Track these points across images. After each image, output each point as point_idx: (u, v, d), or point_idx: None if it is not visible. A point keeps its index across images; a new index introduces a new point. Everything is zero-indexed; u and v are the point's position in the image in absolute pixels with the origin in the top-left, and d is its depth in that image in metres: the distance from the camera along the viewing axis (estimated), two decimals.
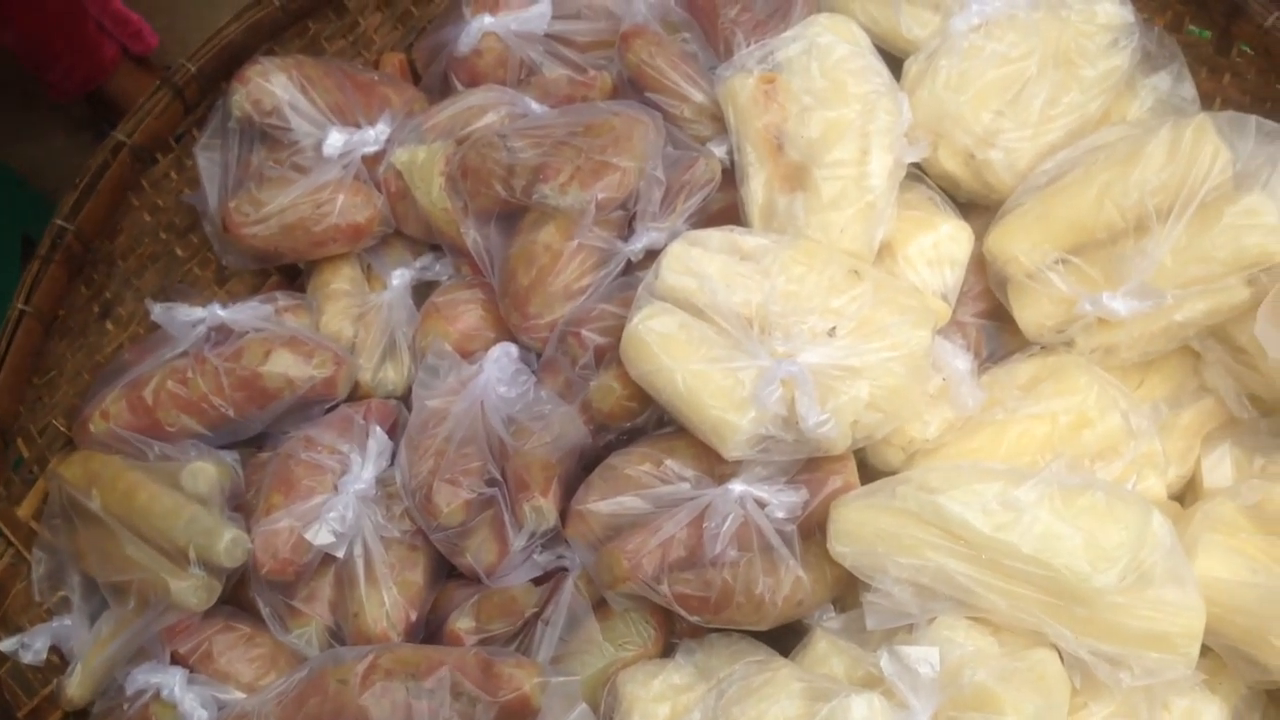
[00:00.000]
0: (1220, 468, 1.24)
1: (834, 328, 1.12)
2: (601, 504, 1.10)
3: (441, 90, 1.42)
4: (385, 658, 1.02)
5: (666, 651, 1.13)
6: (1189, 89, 1.33)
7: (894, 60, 1.33)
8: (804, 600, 1.10)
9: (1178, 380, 1.29)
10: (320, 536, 1.11)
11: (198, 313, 1.27)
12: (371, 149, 1.33)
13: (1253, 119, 1.18)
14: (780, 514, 1.11)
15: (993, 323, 1.30)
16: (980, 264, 1.29)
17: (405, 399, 1.30)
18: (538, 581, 1.16)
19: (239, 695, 1.08)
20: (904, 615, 1.06)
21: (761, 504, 1.11)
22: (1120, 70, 1.27)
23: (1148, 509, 1.06)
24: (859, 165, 1.21)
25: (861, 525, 1.07)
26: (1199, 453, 1.26)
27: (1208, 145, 1.16)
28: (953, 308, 1.27)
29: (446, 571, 1.19)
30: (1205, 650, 1.11)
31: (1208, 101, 1.38)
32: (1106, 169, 1.20)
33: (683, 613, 1.07)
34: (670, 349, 1.12)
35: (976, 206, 1.33)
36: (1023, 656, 1.03)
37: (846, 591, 1.15)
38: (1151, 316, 1.20)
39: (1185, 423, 1.27)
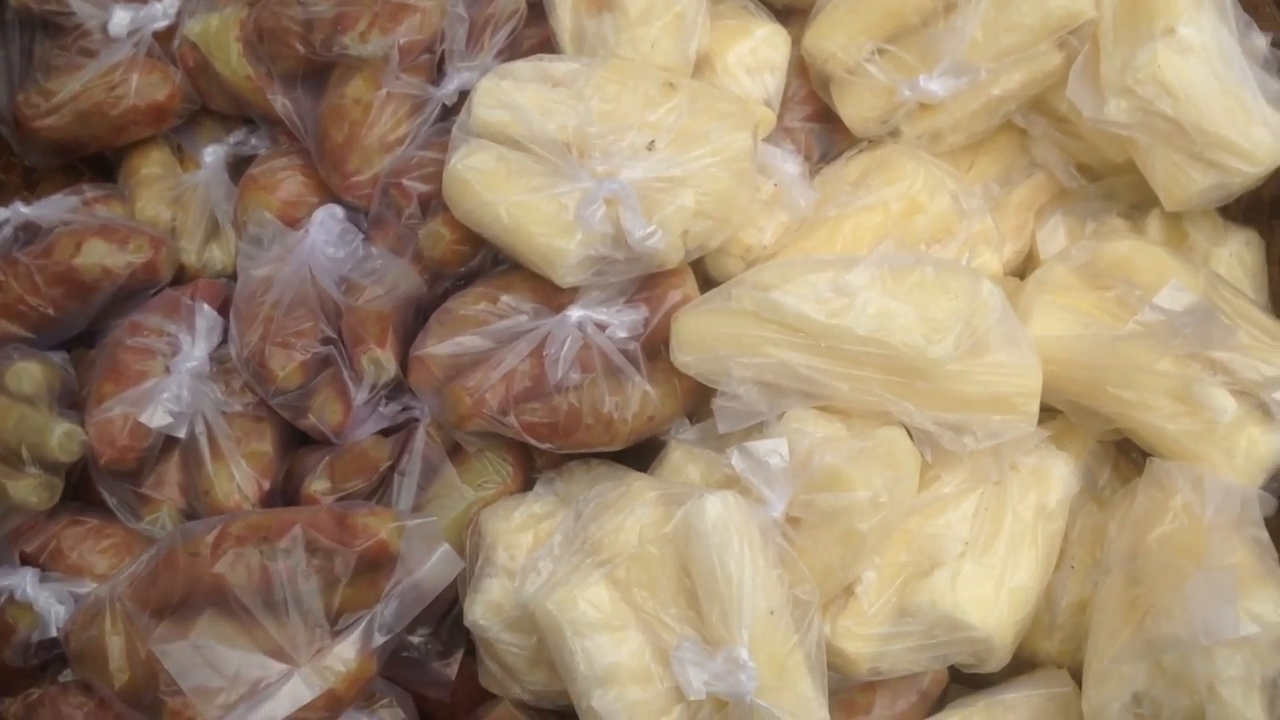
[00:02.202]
0: (1054, 237, 1.26)
1: (653, 141, 1.10)
2: (440, 346, 1.09)
3: None
4: (236, 525, 1.00)
5: (527, 486, 1.13)
6: None
7: None
8: (654, 415, 1.10)
9: (1007, 159, 1.30)
10: (156, 418, 1.08)
11: (1, 214, 1.22)
12: (162, 23, 1.27)
13: None
14: (622, 334, 1.10)
15: (822, 125, 1.29)
16: (803, 68, 1.28)
17: (235, 277, 1.26)
18: (390, 433, 1.14)
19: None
20: (754, 415, 1.07)
21: (602, 326, 1.10)
22: None
23: (977, 278, 1.07)
24: None
25: (701, 332, 1.07)
26: (1033, 226, 1.28)
27: None
28: (778, 113, 1.26)
29: (299, 438, 1.17)
30: (1054, 412, 1.15)
31: None
32: None
33: (533, 441, 1.07)
34: (491, 184, 1.10)
35: (795, 10, 1.31)
36: (870, 436, 1.05)
37: (700, 404, 1.15)
38: (970, 94, 1.20)
39: (1018, 199, 1.28)
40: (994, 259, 1.21)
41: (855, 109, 1.24)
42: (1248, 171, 1.12)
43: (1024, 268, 1.28)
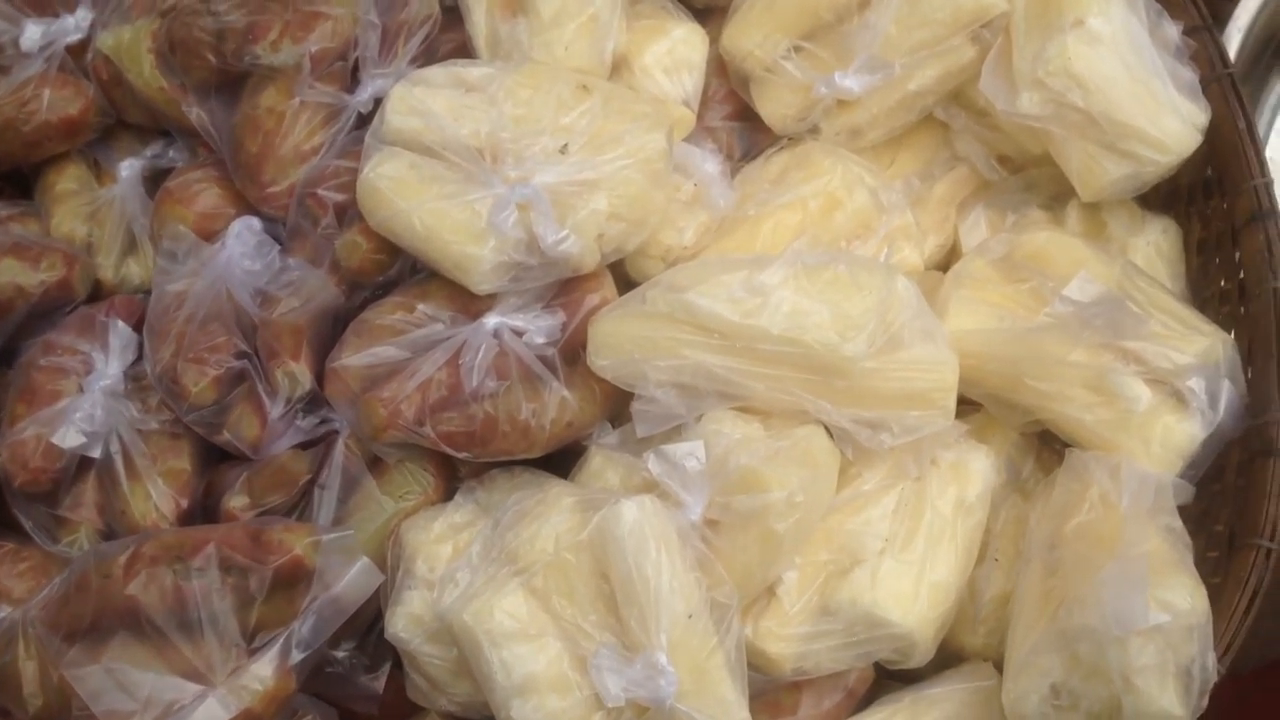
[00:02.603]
0: (976, 230, 1.26)
1: (566, 145, 1.10)
2: (355, 358, 1.08)
3: None
4: (148, 545, 0.99)
5: (450, 496, 1.13)
6: None
7: None
8: (574, 421, 1.09)
9: (929, 153, 1.30)
10: (69, 439, 1.07)
11: None
12: (75, 37, 1.25)
13: None
14: (540, 339, 1.10)
15: (743, 123, 1.29)
16: (724, 67, 1.28)
17: None
18: (310, 447, 1.13)
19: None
20: (672, 417, 1.07)
21: (519, 332, 1.10)
22: None
23: (891, 274, 1.07)
24: None
25: (617, 336, 1.07)
26: (956, 220, 1.28)
27: None
28: (698, 112, 1.26)
29: (219, 454, 1.16)
30: (976, 406, 1.15)
31: None
32: None
33: (450, 451, 1.06)
34: (404, 192, 1.09)
35: (714, 9, 1.31)
36: (788, 435, 1.05)
37: (622, 407, 1.14)
38: (886, 90, 1.20)
39: (940, 193, 1.29)
40: (914, 254, 1.21)
41: (774, 107, 1.24)
42: (1160, 161, 1.13)
43: (947, 261, 1.28)
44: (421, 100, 1.12)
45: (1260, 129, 1.46)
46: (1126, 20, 1.13)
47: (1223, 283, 1.16)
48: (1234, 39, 1.40)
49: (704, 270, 1.07)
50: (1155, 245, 1.20)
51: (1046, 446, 1.18)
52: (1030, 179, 1.27)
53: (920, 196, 1.28)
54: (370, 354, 1.08)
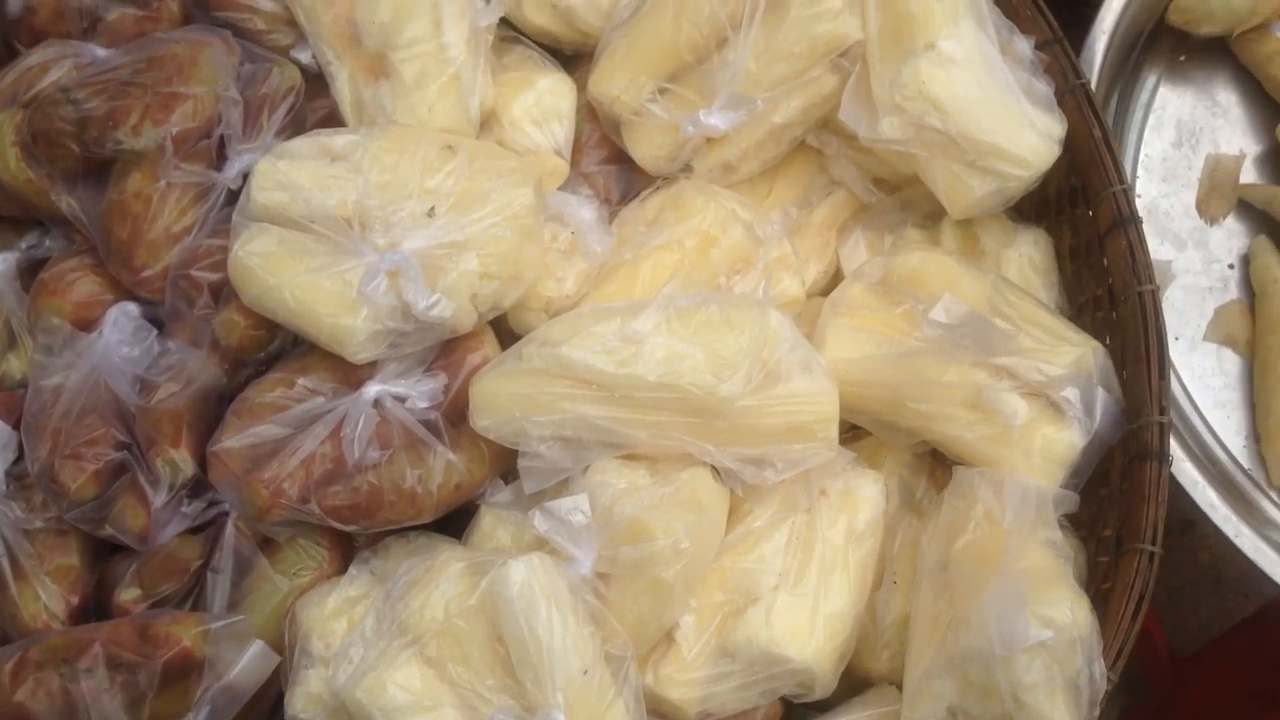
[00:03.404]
0: (856, 253, 1.27)
1: (433, 207, 1.10)
2: (235, 440, 1.07)
3: (6, 58, 1.33)
4: (34, 650, 0.98)
5: (346, 568, 1.12)
6: None
7: None
8: (462, 483, 1.10)
9: (806, 180, 1.32)
10: None
11: None
12: None
13: None
14: (423, 404, 1.10)
15: (619, 166, 1.30)
16: (595, 112, 1.28)
17: None
18: (201, 531, 1.12)
19: None
20: (558, 471, 1.07)
21: (401, 398, 1.10)
22: None
23: (764, 310, 1.08)
24: (434, 39, 1.18)
25: (497, 395, 1.07)
26: (836, 244, 1.29)
27: None
28: (573, 159, 1.26)
29: (111, 546, 1.15)
30: (866, 431, 1.16)
31: None
32: None
33: (338, 525, 1.06)
34: (274, 268, 1.09)
35: (584, 55, 1.32)
36: (673, 480, 1.05)
37: (513, 464, 1.14)
38: (752, 125, 1.21)
39: (819, 219, 1.30)
40: (794, 284, 1.22)
41: (645, 149, 1.24)
42: (1022, 175, 1.14)
43: (831, 286, 1.28)
44: (286, 174, 1.11)
45: (1134, 127, 1.48)
46: (977, 40, 1.14)
47: (1095, 289, 1.17)
48: (1099, 41, 1.42)
49: (578, 322, 1.08)
50: (1027, 256, 1.21)
51: (939, 464, 1.19)
52: (906, 198, 1.28)
53: (799, 224, 1.29)
54: (251, 434, 1.07)
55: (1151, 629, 1.99)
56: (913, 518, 1.16)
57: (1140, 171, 1.46)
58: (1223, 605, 2.17)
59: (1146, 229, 1.40)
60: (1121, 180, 1.13)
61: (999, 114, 1.13)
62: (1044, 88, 1.17)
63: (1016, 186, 1.15)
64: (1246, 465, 1.33)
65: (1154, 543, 1.03)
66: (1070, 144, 1.17)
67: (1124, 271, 1.11)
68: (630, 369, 1.03)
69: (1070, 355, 1.08)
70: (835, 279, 1.29)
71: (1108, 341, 1.14)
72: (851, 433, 1.19)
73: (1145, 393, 1.07)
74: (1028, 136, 1.14)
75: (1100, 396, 1.08)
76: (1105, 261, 1.15)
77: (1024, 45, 1.18)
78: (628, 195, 1.29)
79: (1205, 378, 1.37)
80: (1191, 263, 1.42)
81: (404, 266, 1.06)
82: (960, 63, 1.13)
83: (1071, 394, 1.08)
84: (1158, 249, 1.42)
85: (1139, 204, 1.44)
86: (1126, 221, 1.12)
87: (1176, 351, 1.38)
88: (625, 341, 1.05)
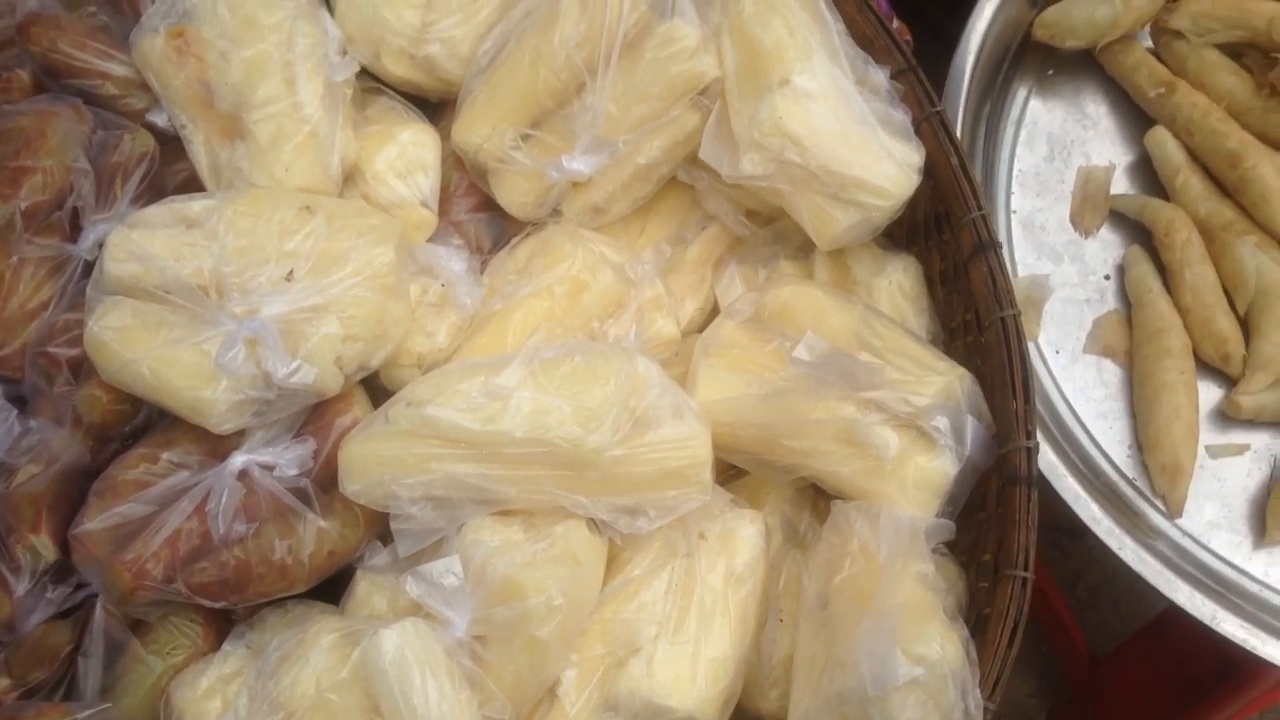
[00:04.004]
0: (731, 288, 1.27)
1: (291, 271, 1.08)
2: (98, 521, 1.05)
3: None
4: None
5: (222, 643, 1.10)
6: None
7: None
8: (335, 549, 1.08)
9: (680, 217, 1.32)
10: None
11: None
12: None
13: None
14: (292, 471, 1.08)
15: (490, 214, 1.29)
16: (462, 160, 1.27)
17: None
18: (72, 614, 1.10)
19: None
20: (432, 532, 1.06)
21: (269, 467, 1.08)
22: None
23: (630, 357, 1.07)
24: (289, 98, 1.16)
25: (365, 458, 1.05)
26: (712, 280, 1.29)
27: None
28: (439, 210, 1.25)
29: None
30: (744, 470, 1.16)
31: None
32: (533, 35, 1.19)
33: (207, 602, 1.04)
34: (130, 342, 1.07)
35: (449, 103, 1.30)
36: (547, 535, 1.04)
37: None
38: (616, 167, 1.21)
39: (694, 255, 1.30)
40: (668, 324, 1.21)
41: (511, 196, 1.24)
42: (884, 205, 1.15)
43: (709, 322, 1.28)
44: (139, 244, 1.09)
45: (1006, 143, 1.50)
46: (831, 73, 1.15)
47: (965, 313, 1.18)
48: (967, 59, 1.44)
49: (443, 380, 1.07)
50: (897, 284, 1.22)
51: (822, 497, 1.19)
52: (778, 230, 1.29)
53: (674, 262, 1.29)
54: (113, 514, 1.05)
55: (1070, 629, 2.01)
56: (797, 553, 1.16)
57: (1015, 187, 1.48)
58: (1141, 601, 2.20)
59: (1024, 243, 1.43)
60: (980, 206, 1.14)
61: (857, 146, 1.14)
62: (901, 117, 1.18)
63: (880, 216, 1.16)
64: (1131, 475, 1.34)
65: (1026, 568, 1.03)
66: (931, 171, 1.18)
67: (986, 297, 1.12)
68: (496, 426, 1.02)
69: (937, 384, 1.09)
70: (713, 314, 1.29)
71: (979, 365, 1.15)
72: (733, 471, 1.19)
73: (1011, 418, 1.08)
74: (886, 167, 1.14)
75: (969, 424, 1.09)
76: (970, 287, 1.16)
77: (880, 76, 1.19)
78: (500, 242, 1.28)
79: (1087, 389, 1.38)
80: (1069, 276, 1.44)
81: (262, 334, 1.04)
82: (815, 97, 1.14)
83: (941, 423, 1.08)
84: (1035, 263, 1.44)
85: (1015, 219, 1.46)
86: (987, 247, 1.13)
87: (1058, 365, 1.39)
88: (490, 398, 1.04)
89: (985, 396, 1.12)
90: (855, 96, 1.15)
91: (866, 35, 1.22)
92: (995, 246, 1.13)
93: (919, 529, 1.05)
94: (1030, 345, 1.40)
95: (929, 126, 1.17)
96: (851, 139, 1.14)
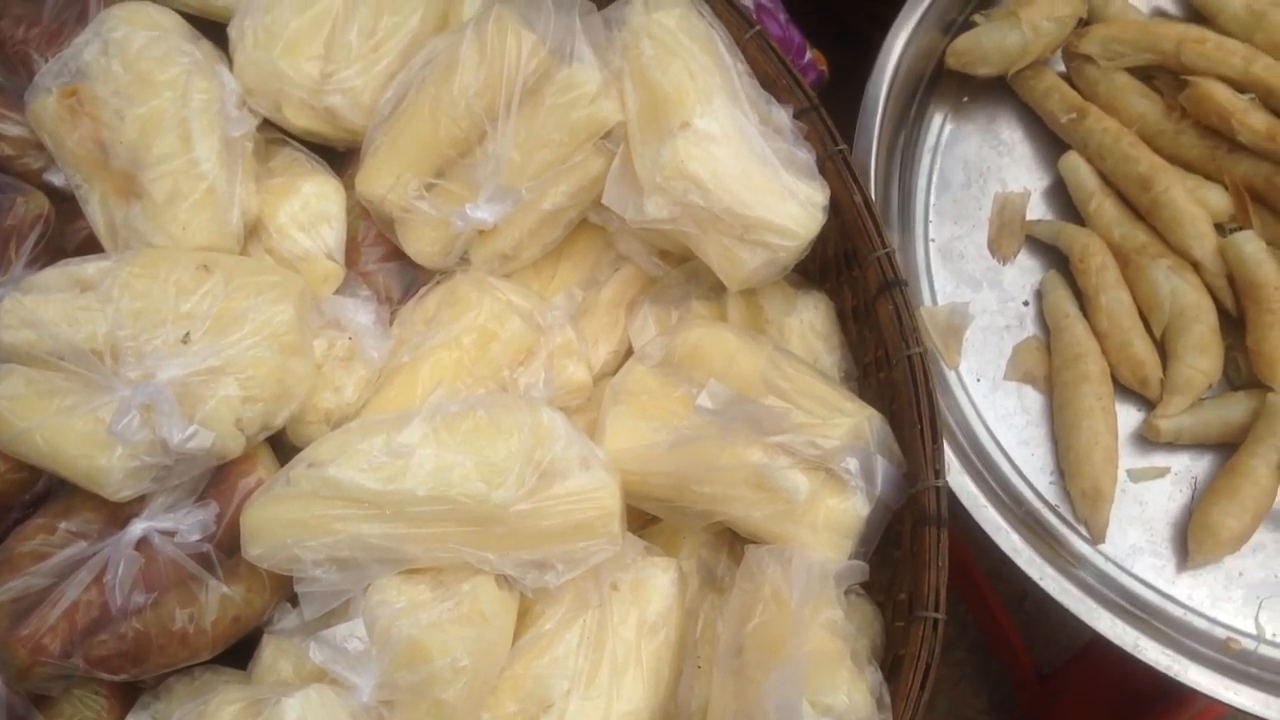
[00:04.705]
0: (645, 330, 1.27)
1: (187, 333, 1.06)
2: None
3: None
4: None
5: (127, 714, 1.08)
6: None
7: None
8: (240, 615, 1.06)
9: (592, 260, 1.31)
10: None
11: None
12: None
13: None
14: (194, 537, 1.06)
15: (399, 263, 1.27)
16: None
17: None
18: None
19: None
20: (339, 594, 1.04)
21: (170, 533, 1.06)
22: None
23: (535, 408, 1.06)
24: (184, 154, 1.15)
25: (267, 522, 1.03)
26: (626, 322, 1.28)
27: (510, 34, 1.15)
28: (347, 262, 1.24)
29: None
30: (656, 518, 1.15)
31: None
32: (433, 84, 1.18)
33: (108, 676, 1.02)
34: (23, 411, 1.04)
35: (357, 151, 1.29)
36: (454, 594, 1.03)
37: None
38: (522, 213, 1.20)
39: (607, 298, 1.29)
40: (579, 370, 1.20)
41: (418, 245, 1.22)
42: (790, 245, 1.14)
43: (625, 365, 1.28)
44: (32, 309, 1.07)
45: (924, 171, 1.50)
46: (733, 115, 1.15)
47: (876, 350, 1.18)
48: (880, 89, 1.44)
49: (345, 439, 1.05)
50: (809, 323, 1.21)
51: (740, 540, 1.18)
52: (691, 270, 1.28)
53: (587, 305, 1.28)
54: (9, 589, 1.03)
55: (1016, 647, 2.01)
56: (715, 597, 1.15)
57: (933, 215, 1.48)
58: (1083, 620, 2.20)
59: (943, 272, 1.43)
60: (885, 244, 1.14)
61: (760, 187, 1.13)
62: (805, 156, 1.17)
63: (787, 256, 1.16)
64: (1054, 502, 1.34)
65: (937, 609, 1.03)
66: (837, 209, 1.18)
67: (893, 334, 1.12)
68: (398, 484, 1.01)
69: (845, 426, 1.08)
70: (627, 356, 1.27)
71: (890, 403, 1.15)
72: (649, 518, 1.18)
73: (921, 457, 1.08)
74: (790, 207, 1.14)
75: (879, 464, 1.08)
76: (879, 324, 1.16)
77: (783, 115, 1.19)
78: (410, 291, 1.27)
79: (1008, 417, 1.38)
80: (988, 303, 1.44)
81: (156, 399, 1.02)
82: (717, 139, 1.13)
83: (851, 464, 1.08)
84: (955, 291, 1.44)
85: (933, 247, 1.46)
86: (892, 285, 1.13)
87: (979, 393, 1.39)
88: (392, 456, 1.02)
89: (896, 435, 1.11)
90: (757, 137, 1.15)
91: (769, 75, 1.21)
92: (901, 284, 1.13)
93: (830, 573, 1.04)
94: (951, 374, 1.40)
95: (832, 165, 1.17)
96: (754, 180, 1.13)
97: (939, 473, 1.07)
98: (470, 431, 1.04)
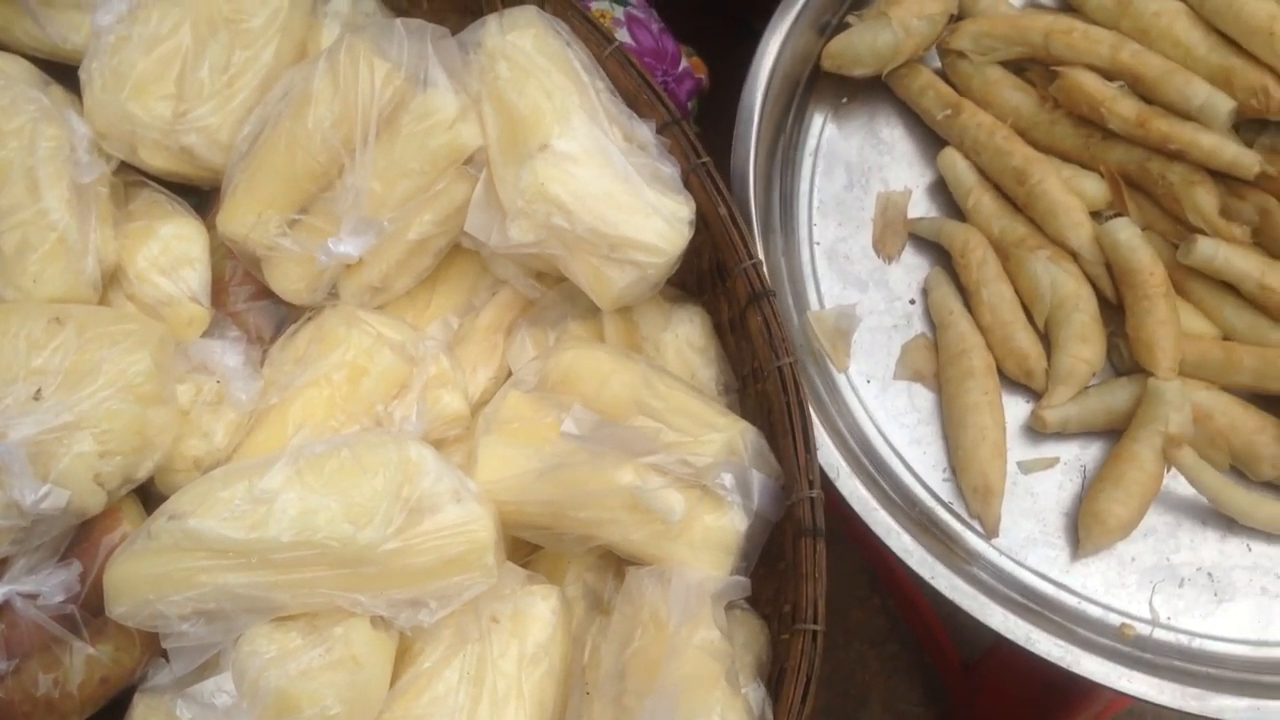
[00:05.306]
0: (523, 354, 1.25)
1: (39, 390, 1.04)
2: None
3: None
4: None
5: None
6: (368, 3, 1.31)
7: None
8: (109, 675, 1.04)
9: (468, 285, 1.29)
10: None
11: None
12: None
13: (397, 22, 1.16)
14: (58, 598, 1.04)
15: (269, 301, 1.26)
16: None
17: None
18: None
19: None
20: (208, 647, 1.02)
21: (33, 596, 1.03)
22: (283, 9, 1.22)
23: (401, 444, 1.05)
24: (33, 205, 1.12)
25: (130, 579, 1.01)
26: (504, 347, 1.27)
27: (363, 64, 1.13)
28: (215, 303, 1.21)
29: None
30: (535, 547, 1.14)
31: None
32: (288, 119, 1.16)
33: None
34: None
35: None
36: (326, 639, 1.01)
37: None
38: (388, 244, 1.18)
39: (485, 323, 1.27)
40: (455, 400, 1.19)
41: (284, 283, 1.20)
42: (658, 262, 1.14)
43: None
44: None
45: (806, 175, 1.50)
46: (592, 133, 1.13)
47: (752, 361, 1.17)
48: (756, 95, 1.43)
49: (207, 488, 1.03)
50: (685, 338, 1.21)
51: (626, 562, 1.17)
52: (567, 291, 1.27)
53: (464, 332, 1.27)
54: None
55: (941, 640, 2.02)
56: (603, 620, 1.14)
57: (817, 218, 1.48)
58: None
59: (829, 274, 1.43)
60: (751, 255, 1.14)
61: (623, 205, 1.12)
62: (670, 170, 1.17)
63: (656, 273, 1.15)
64: (947, 499, 1.34)
65: (816, 621, 1.02)
66: (705, 221, 1.17)
67: (763, 346, 1.11)
68: (262, 532, 0.99)
69: (718, 442, 1.08)
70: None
71: (767, 415, 1.14)
72: (534, 545, 1.17)
73: (795, 468, 1.07)
74: (655, 223, 1.13)
75: (755, 478, 1.08)
76: (750, 336, 1.15)
77: (645, 131, 1.18)
78: (283, 328, 1.25)
79: (899, 416, 1.38)
80: (875, 303, 1.44)
81: (7, 460, 1.00)
82: (577, 159, 1.12)
83: (726, 479, 1.07)
84: (841, 293, 1.44)
85: (819, 250, 1.46)
86: (760, 296, 1.12)
87: (870, 394, 1.39)
88: (255, 503, 1.00)
89: (772, 447, 1.11)
90: (619, 155, 1.14)
91: (631, 91, 1.20)
92: (768, 295, 1.12)
93: (708, 591, 1.04)
94: (842, 377, 1.40)
95: (697, 178, 1.16)
96: (617, 198, 1.12)
97: (813, 483, 1.06)
98: (335, 472, 1.02)
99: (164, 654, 1.09)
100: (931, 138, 1.51)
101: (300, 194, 1.18)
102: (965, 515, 1.34)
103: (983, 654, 1.89)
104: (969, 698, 1.97)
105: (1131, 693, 1.18)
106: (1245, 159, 1.32)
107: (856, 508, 1.26)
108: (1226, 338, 1.36)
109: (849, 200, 1.49)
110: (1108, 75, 1.40)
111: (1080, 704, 1.63)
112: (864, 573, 2.27)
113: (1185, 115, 1.34)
